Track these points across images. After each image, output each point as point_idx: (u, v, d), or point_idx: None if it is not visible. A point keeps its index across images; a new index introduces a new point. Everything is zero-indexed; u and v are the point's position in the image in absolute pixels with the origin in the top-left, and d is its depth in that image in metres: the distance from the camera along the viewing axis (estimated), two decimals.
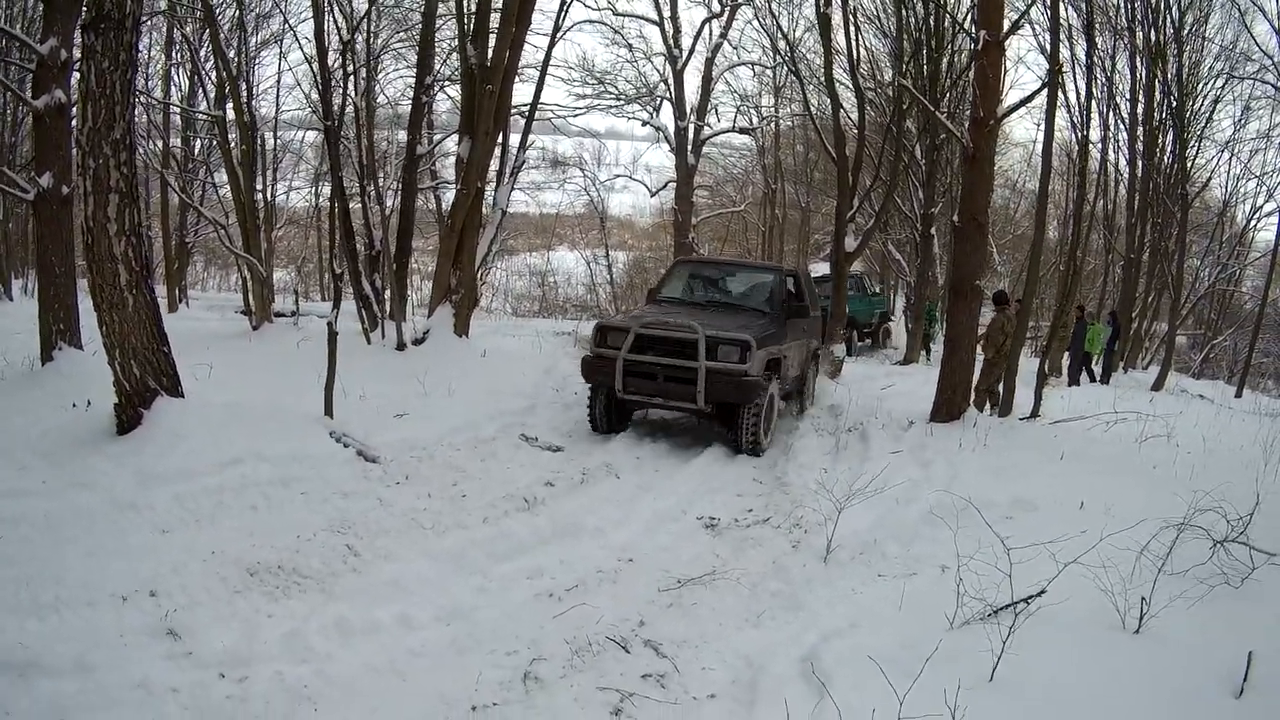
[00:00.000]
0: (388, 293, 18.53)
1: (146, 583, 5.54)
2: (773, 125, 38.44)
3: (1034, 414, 12.50)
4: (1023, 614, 4.84)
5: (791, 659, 4.79)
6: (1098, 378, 23.17)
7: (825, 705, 4.13)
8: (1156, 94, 26.42)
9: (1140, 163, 27.65)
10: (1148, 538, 5.53)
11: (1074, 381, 21.50)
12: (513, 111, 18.85)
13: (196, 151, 29.93)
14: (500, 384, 12.60)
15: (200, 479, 7.42)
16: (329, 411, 9.60)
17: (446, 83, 23.98)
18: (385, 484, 8.32)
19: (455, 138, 23.09)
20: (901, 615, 5.28)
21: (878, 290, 33.31)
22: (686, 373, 10.69)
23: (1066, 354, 22.53)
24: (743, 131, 34.70)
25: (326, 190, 41.95)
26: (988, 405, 13.25)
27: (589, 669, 4.89)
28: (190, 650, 4.83)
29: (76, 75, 12.77)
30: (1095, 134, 22.31)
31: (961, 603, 5.06)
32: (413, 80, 21.74)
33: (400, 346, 14.86)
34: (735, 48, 33.41)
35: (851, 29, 20.15)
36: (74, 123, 8.53)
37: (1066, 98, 23.66)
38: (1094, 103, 20.32)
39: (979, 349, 12.99)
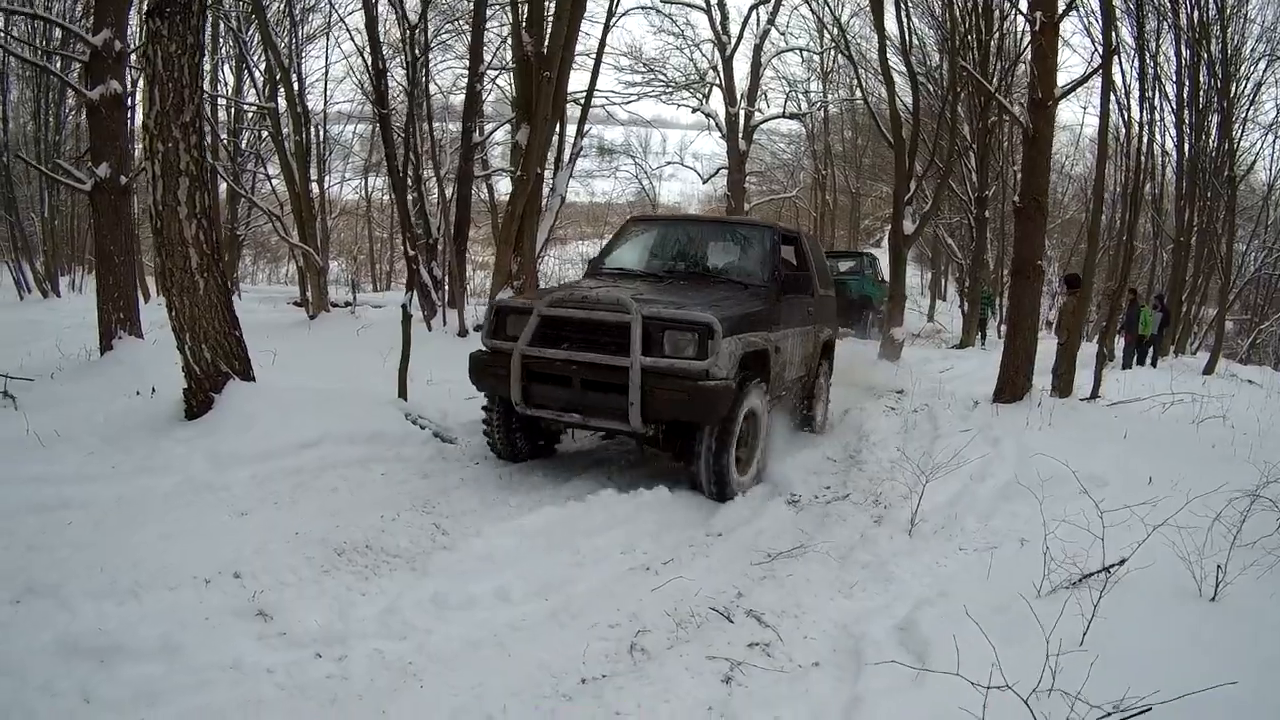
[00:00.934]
0: (445, 280, 18.81)
1: (229, 564, 5.50)
2: (822, 110, 38.51)
3: (1094, 395, 12.65)
4: (1106, 582, 4.92)
5: (888, 627, 4.91)
6: (1148, 361, 23.19)
7: (926, 672, 4.24)
8: (1201, 76, 26.40)
9: (1187, 144, 27.60)
10: (1218, 510, 5.65)
11: (1127, 365, 21.53)
12: (568, 99, 18.98)
13: (244, 144, 30.27)
14: None
15: (277, 461, 7.54)
16: (403, 394, 9.79)
17: (498, 71, 24.24)
18: (464, 464, 8.48)
19: (505, 127, 23.49)
20: (989, 585, 5.42)
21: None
22: (614, 375, 7.52)
23: (1120, 338, 22.54)
24: (792, 117, 34.80)
25: (375, 182, 42.61)
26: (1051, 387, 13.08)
27: (695, 639, 4.98)
28: (283, 630, 4.77)
29: (134, 65, 13.12)
30: (1137, 116, 22.22)
31: (1047, 572, 5.22)
32: (459, 71, 22.06)
33: (462, 333, 15.13)
34: (783, 34, 33.51)
35: (903, 13, 20.23)
36: (140, 108, 8.58)
37: (1112, 80, 23.67)
38: (1144, 84, 20.24)
39: (1051, 332, 13.09)
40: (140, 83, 13.26)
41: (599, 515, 6.99)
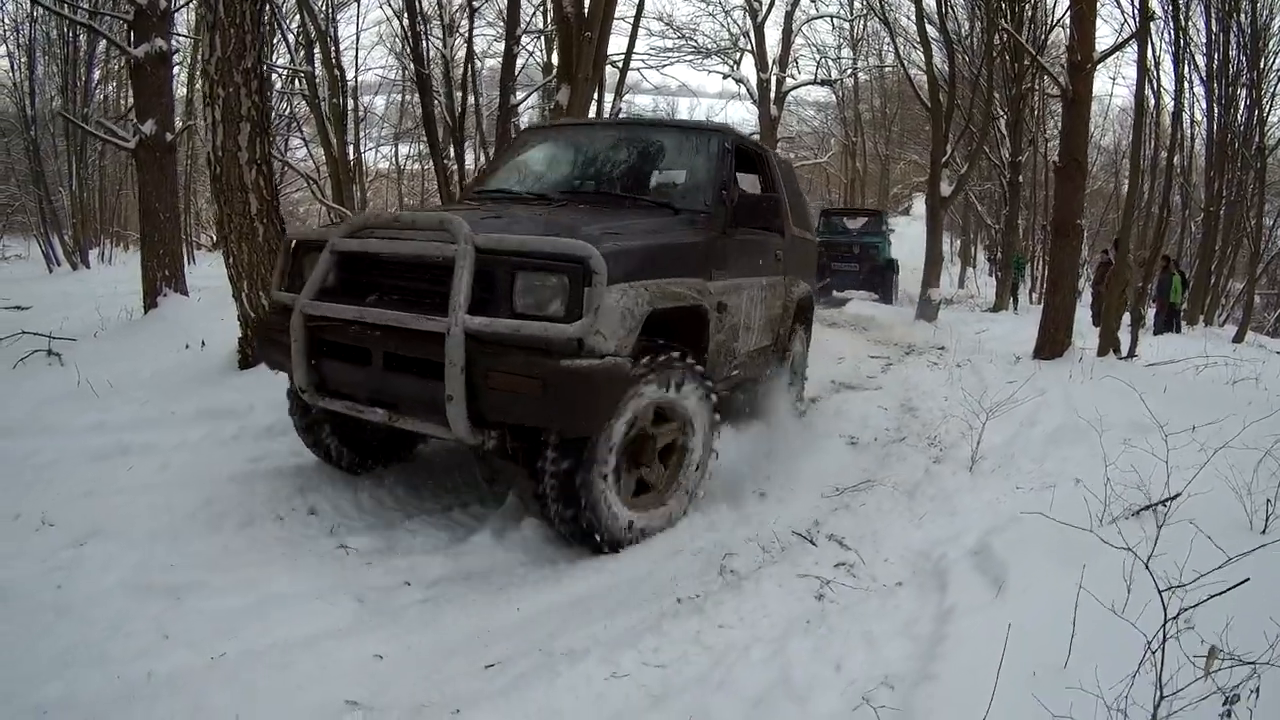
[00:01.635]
0: None
1: (304, 503, 5.91)
2: (852, 78, 38.63)
3: (1131, 354, 12.89)
4: (1163, 514, 5.19)
5: (962, 551, 5.14)
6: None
7: (1008, 588, 4.48)
8: (1231, 47, 26.49)
9: (1217, 114, 27.68)
10: (1265, 449, 5.85)
11: (1159, 331, 21.74)
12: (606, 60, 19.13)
13: (276, 106, 30.49)
14: None
15: None
16: None
17: (532, 37, 24.40)
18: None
19: (534, 96, 23.66)
20: (1052, 516, 5.72)
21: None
22: (428, 346, 4.80)
23: (1151, 304, 22.74)
24: (823, 83, 34.96)
25: (405, 149, 42.81)
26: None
27: (782, 561, 5.23)
28: (369, 562, 5.16)
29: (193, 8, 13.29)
30: (1172, 86, 22.37)
31: (1106, 505, 5.49)
32: (490, 37, 22.19)
33: None
34: (813, 1, 33.59)
35: None
36: (202, 53, 8.66)
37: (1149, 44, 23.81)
38: (1179, 52, 20.45)
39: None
40: (198, 30, 13.46)
41: None
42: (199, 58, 10.58)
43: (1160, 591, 3.38)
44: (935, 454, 7.66)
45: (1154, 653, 3.11)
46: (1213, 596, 3.38)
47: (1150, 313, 22.79)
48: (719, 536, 5.71)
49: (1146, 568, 3.73)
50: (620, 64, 21.13)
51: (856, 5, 32.91)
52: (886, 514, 6.09)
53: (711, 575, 5.12)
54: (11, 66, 31.71)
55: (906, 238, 46.86)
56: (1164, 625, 3.20)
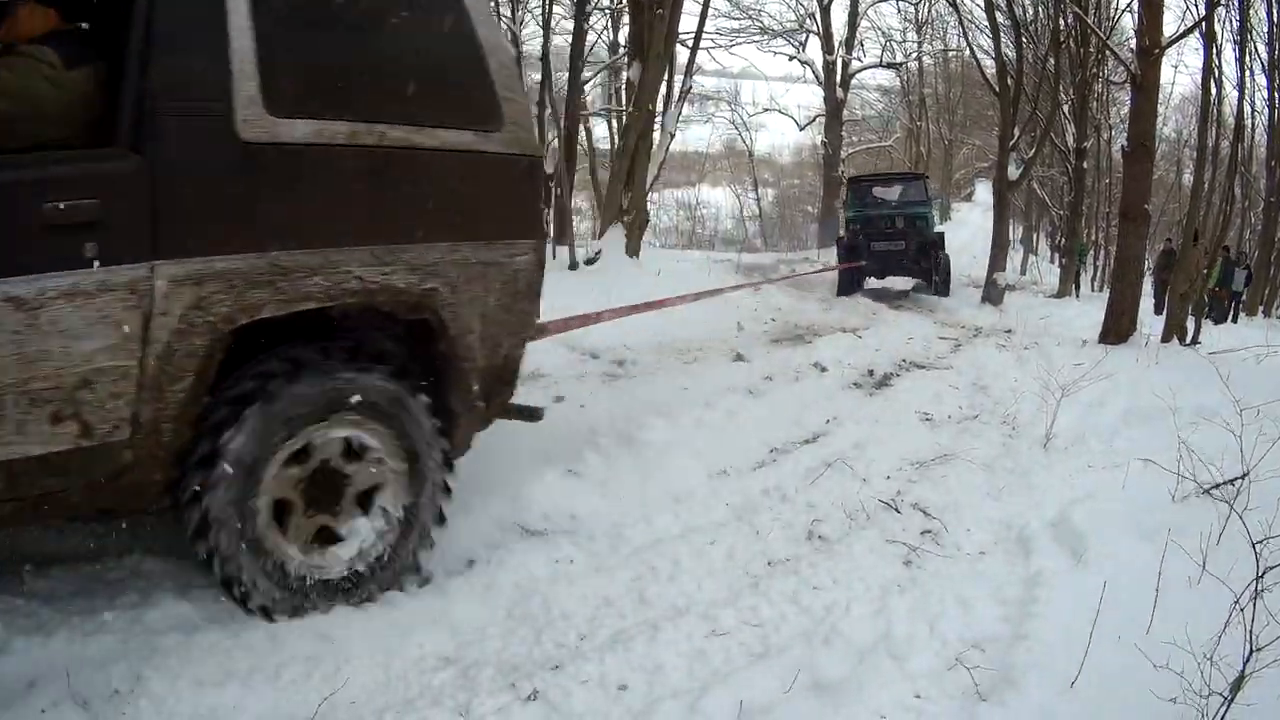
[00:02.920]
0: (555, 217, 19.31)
1: None
2: (917, 61, 38.54)
3: (1194, 341, 13.03)
4: (1233, 491, 5.36)
5: (1043, 522, 5.33)
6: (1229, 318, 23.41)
7: (1089, 558, 4.67)
8: None
9: (1279, 105, 27.46)
10: None
11: (1220, 320, 21.77)
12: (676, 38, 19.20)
13: None
14: None
15: None
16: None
17: (601, 15, 24.60)
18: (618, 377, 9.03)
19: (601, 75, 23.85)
20: (1126, 493, 5.84)
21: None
22: None
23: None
24: (889, 66, 34.93)
25: None
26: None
27: (870, 527, 5.41)
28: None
29: None
30: (1234, 76, 22.23)
31: (1179, 482, 5.68)
32: (559, 14, 22.29)
33: (573, 266, 15.61)
34: None
35: None
36: None
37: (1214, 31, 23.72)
38: (1245, 40, 20.34)
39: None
40: None
41: (743, 426, 7.60)
42: None
43: (1254, 545, 3.60)
44: (1008, 431, 7.87)
45: (1242, 610, 3.35)
46: None
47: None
48: None
49: (1240, 518, 3.96)
50: (690, 43, 21.19)
51: None
52: (966, 487, 6.28)
53: (801, 538, 5.34)
54: None
55: (968, 223, 46.82)
56: (1258, 578, 3.43)
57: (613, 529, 5.20)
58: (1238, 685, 3.10)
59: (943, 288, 20.03)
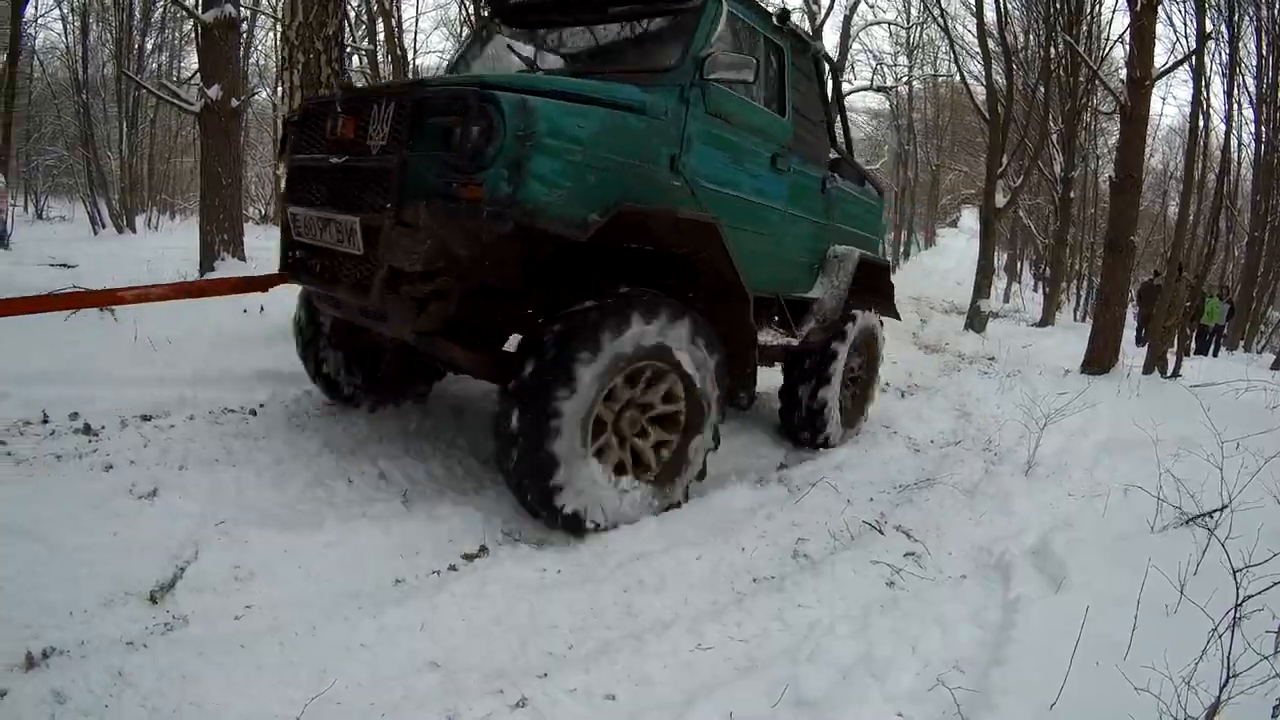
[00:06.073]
0: None
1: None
2: (908, 85, 38.65)
3: (1175, 374, 13.13)
4: (1213, 523, 5.41)
5: (1022, 548, 5.39)
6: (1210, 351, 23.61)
7: (1068, 584, 4.72)
8: None
9: (1265, 138, 27.65)
10: None
11: (1199, 352, 21.97)
12: None
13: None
14: None
15: None
16: None
17: None
18: None
19: None
20: (1106, 521, 5.90)
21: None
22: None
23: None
24: (880, 90, 34.86)
25: None
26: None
27: (854, 547, 5.47)
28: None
29: None
30: (1222, 108, 22.48)
31: (1159, 511, 5.76)
32: None
33: None
34: (871, 6, 33.65)
35: None
36: (283, 18, 8.56)
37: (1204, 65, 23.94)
38: (1234, 74, 20.57)
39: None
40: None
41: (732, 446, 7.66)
42: (279, 23, 10.69)
43: (1234, 572, 3.68)
44: (991, 457, 7.95)
45: (1220, 636, 3.42)
46: (1275, 584, 3.66)
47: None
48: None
49: (1222, 546, 4.03)
50: None
51: (914, 13, 33.05)
52: (948, 510, 6.34)
53: (786, 557, 5.40)
54: (65, 31, 32.21)
55: (953, 250, 46.93)
56: (1237, 605, 3.51)
57: (598, 541, 5.22)
58: (1214, 710, 3.17)
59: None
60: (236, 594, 4.12)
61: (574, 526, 5.09)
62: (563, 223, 4.72)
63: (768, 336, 7.01)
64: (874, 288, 8.50)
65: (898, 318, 9.38)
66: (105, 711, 3.22)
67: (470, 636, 4.03)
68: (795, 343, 7.36)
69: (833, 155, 8.15)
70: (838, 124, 8.28)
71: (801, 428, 7.89)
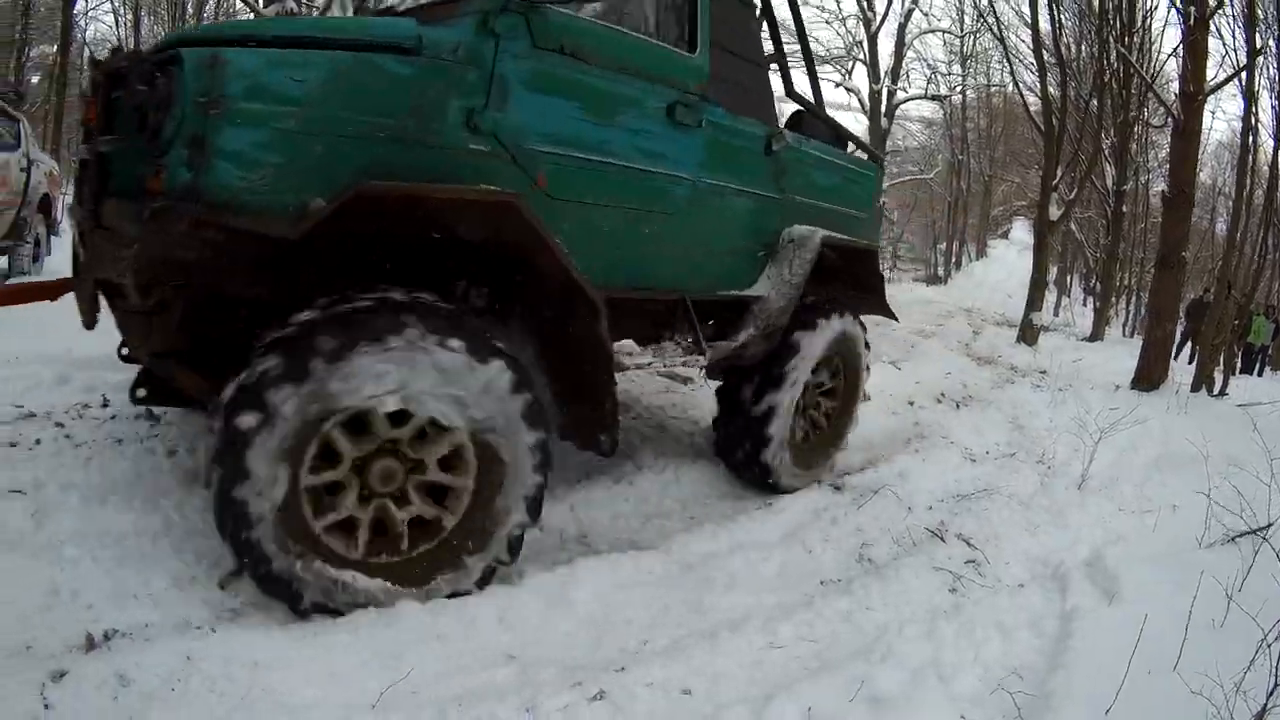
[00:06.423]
0: None
1: None
2: (961, 94, 38.48)
3: (1222, 392, 13.26)
4: (1259, 541, 5.53)
5: (1077, 560, 5.62)
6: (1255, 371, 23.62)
7: (1120, 597, 4.93)
8: None
9: None
10: None
11: (1245, 371, 21.98)
12: None
13: None
14: None
15: None
16: None
17: None
18: None
19: None
20: (1155, 536, 6.15)
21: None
22: None
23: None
24: (934, 98, 34.66)
25: None
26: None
27: (917, 553, 5.68)
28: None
29: None
30: (1270, 124, 22.39)
31: (1207, 528, 5.97)
32: None
33: None
34: (925, 14, 33.55)
35: (1053, 6, 20.52)
36: None
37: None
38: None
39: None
40: None
41: None
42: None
43: None
44: (1045, 470, 8.13)
45: (1269, 646, 3.68)
46: None
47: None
48: None
49: (1278, 555, 4.23)
50: None
51: (968, 21, 32.98)
52: (1005, 520, 6.54)
53: (852, 561, 5.67)
54: (116, 23, 32.49)
55: (1004, 261, 46.69)
56: None
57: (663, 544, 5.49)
58: (1262, 715, 3.43)
59: None
60: None
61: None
62: (267, 216, 3.60)
63: (651, 358, 5.60)
64: (857, 280, 7.23)
65: (894, 318, 8.37)
66: (171, 695, 3.20)
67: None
68: (703, 361, 5.80)
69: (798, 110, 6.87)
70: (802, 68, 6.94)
71: (742, 469, 6.67)
